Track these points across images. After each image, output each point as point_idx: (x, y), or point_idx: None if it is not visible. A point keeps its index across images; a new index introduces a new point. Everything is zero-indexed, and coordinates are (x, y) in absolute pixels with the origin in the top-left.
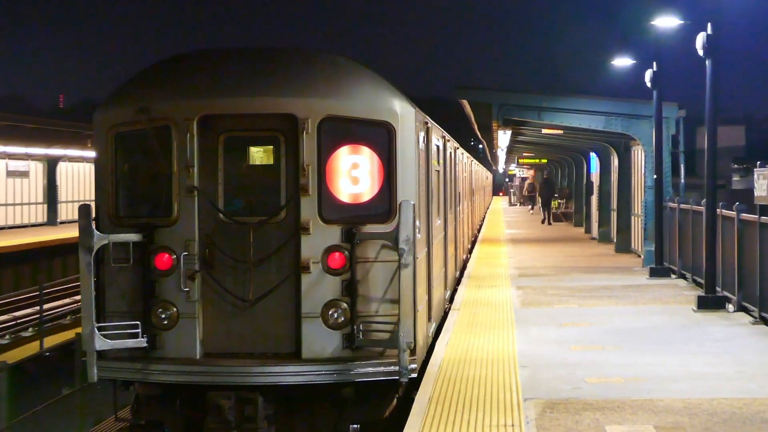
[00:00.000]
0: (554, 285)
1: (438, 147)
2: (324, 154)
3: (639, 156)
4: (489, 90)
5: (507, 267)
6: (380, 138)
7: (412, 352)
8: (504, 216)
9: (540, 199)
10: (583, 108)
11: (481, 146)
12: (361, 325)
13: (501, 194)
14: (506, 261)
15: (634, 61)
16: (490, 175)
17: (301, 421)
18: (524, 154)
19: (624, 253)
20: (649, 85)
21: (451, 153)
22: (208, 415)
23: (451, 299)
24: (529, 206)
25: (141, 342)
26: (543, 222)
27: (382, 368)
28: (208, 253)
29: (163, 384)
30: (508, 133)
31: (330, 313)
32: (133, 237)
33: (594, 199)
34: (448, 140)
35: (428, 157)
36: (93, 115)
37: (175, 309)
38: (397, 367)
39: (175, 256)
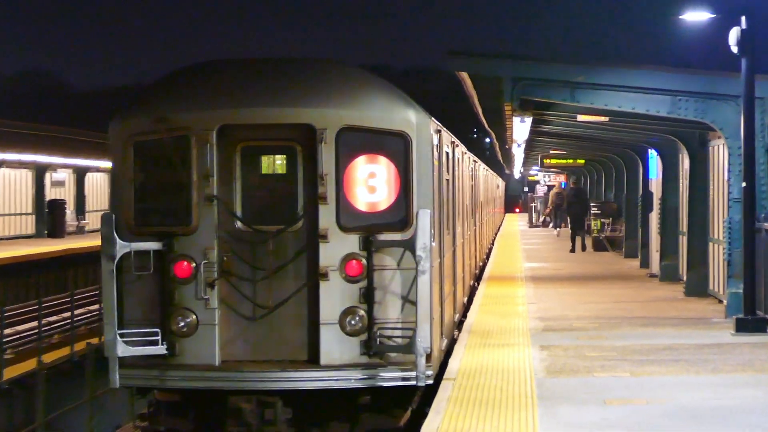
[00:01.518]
0: (595, 344)
1: (447, 154)
2: (341, 163)
3: (720, 154)
4: (499, 58)
5: (526, 317)
6: (397, 148)
7: (428, 358)
8: (522, 242)
9: (568, 216)
10: (639, 84)
11: (488, 140)
12: (378, 332)
13: (517, 210)
14: (525, 308)
15: (713, 16)
16: (501, 183)
17: (317, 427)
18: (551, 152)
19: (698, 297)
20: (734, 50)
21: (458, 159)
22: (227, 419)
23: (443, 364)
24: (554, 226)
25: (161, 349)
26: (573, 250)
27: (399, 374)
28: (226, 261)
29: (182, 390)
30: (528, 121)
31: (348, 319)
32: (153, 245)
33: (654, 217)
34: (457, 145)
35: (441, 166)
36: (110, 124)
37: (194, 316)
38: (414, 373)
39: (194, 264)
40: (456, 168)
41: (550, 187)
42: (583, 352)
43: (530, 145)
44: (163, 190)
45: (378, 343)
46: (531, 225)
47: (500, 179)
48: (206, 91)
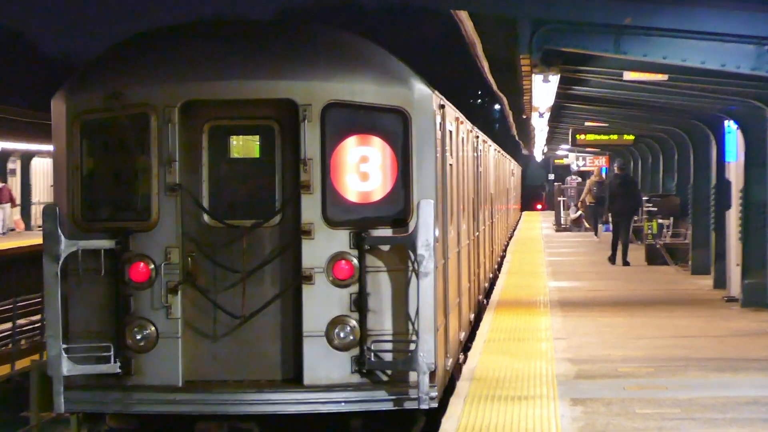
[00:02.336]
0: (649, 396)
1: (451, 133)
2: (328, 145)
3: None
4: None
5: (551, 358)
6: (393, 126)
7: (432, 377)
8: (546, 252)
9: (610, 213)
10: (711, 29)
11: (497, 108)
12: (372, 345)
13: (539, 207)
14: (549, 346)
15: None
16: (517, 168)
17: None
18: (587, 125)
19: None
20: None
21: (463, 138)
22: None
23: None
24: (593, 227)
25: (113, 367)
26: (613, 260)
27: (397, 396)
28: (191, 262)
29: (140, 416)
30: (554, 80)
31: (336, 331)
32: (105, 243)
33: (733, 216)
34: (462, 122)
35: (444, 148)
36: (52, 101)
37: (153, 328)
38: (416, 395)
39: (153, 266)
40: (461, 150)
41: (583, 175)
42: (632, 408)
43: (557, 115)
44: (116, 179)
45: (372, 358)
46: (559, 227)
47: (515, 163)
48: (168, 61)
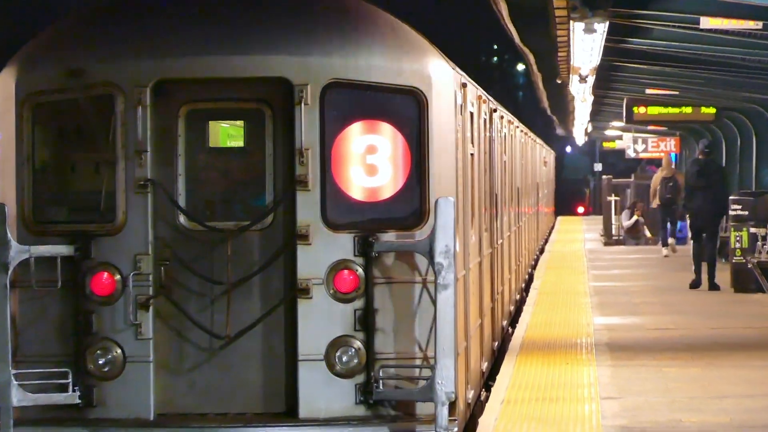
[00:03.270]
0: None
1: (472, 115)
2: (329, 133)
3: None
4: None
5: (596, 426)
6: (406, 110)
7: (452, 409)
8: (590, 274)
9: (687, 216)
10: None
11: (520, 68)
12: (381, 371)
13: (581, 209)
14: (594, 407)
15: None
16: (549, 156)
17: None
18: (647, 93)
19: None
20: None
21: (485, 120)
22: None
23: None
24: (661, 238)
25: (72, 397)
26: (697, 284)
27: (410, 430)
28: (165, 273)
29: None
30: (600, 29)
31: (338, 354)
32: (62, 250)
33: None
34: (485, 101)
35: (464, 135)
36: None
37: (119, 350)
38: (432, 429)
39: (119, 277)
40: (483, 137)
41: (640, 164)
42: None
43: (606, 80)
44: (75, 172)
45: (381, 386)
46: (609, 239)
47: (548, 149)
48: (138, 32)
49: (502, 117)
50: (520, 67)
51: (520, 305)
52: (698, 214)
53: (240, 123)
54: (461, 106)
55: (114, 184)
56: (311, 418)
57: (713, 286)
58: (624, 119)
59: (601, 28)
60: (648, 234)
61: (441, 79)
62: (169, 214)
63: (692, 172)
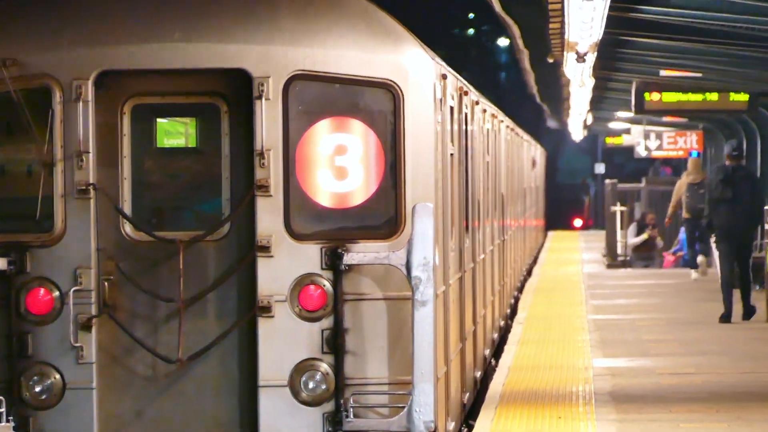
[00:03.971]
0: None
1: (452, 109)
2: (293, 132)
3: None
4: None
5: None
6: (380, 106)
7: None
8: (590, 302)
9: (710, 231)
10: None
11: (502, 44)
12: (352, 399)
13: (578, 222)
14: None
15: None
16: (539, 155)
17: None
18: (662, 75)
19: None
20: None
21: (467, 114)
22: None
23: None
24: (687, 258)
25: (6, 428)
26: (728, 317)
27: None
28: (109, 288)
29: None
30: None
31: (303, 380)
32: None
33: None
34: (466, 93)
35: (444, 134)
36: None
37: (58, 376)
38: None
39: (58, 293)
40: (466, 133)
41: (653, 165)
42: None
43: (610, 58)
44: (7, 175)
45: (352, 416)
46: (613, 261)
47: (538, 146)
48: (78, 18)
49: (484, 110)
50: (503, 42)
51: (504, 336)
52: (726, 232)
53: (189, 120)
54: (441, 100)
55: (51, 189)
56: None
57: (748, 311)
58: (633, 108)
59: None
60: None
61: (418, 71)
62: (114, 223)
63: (716, 182)
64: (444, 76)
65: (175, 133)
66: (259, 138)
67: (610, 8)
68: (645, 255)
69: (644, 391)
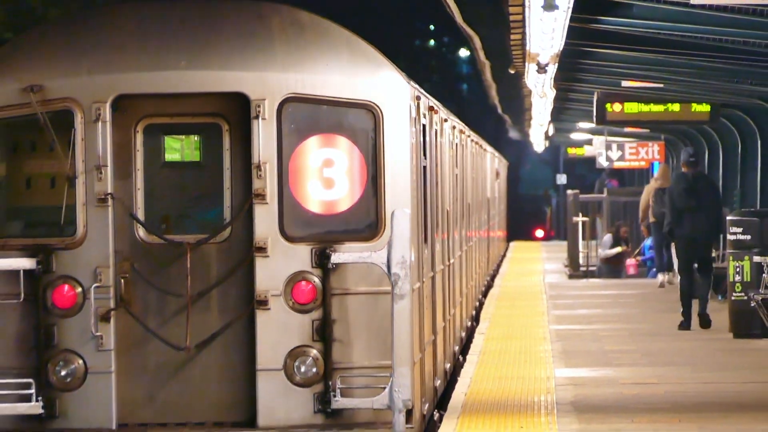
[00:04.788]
0: None
1: (425, 127)
2: (286, 147)
3: None
4: None
5: None
6: (362, 124)
7: (409, 417)
8: (551, 313)
9: (672, 239)
10: None
11: (463, 54)
12: (339, 381)
13: (539, 234)
14: None
15: None
16: (502, 166)
17: None
18: (623, 86)
19: None
20: None
21: (437, 131)
22: None
23: None
24: (658, 267)
25: (35, 407)
26: (687, 324)
27: None
28: (125, 285)
29: None
30: (564, 5)
31: (296, 364)
32: (24, 263)
33: None
34: (436, 111)
35: (418, 148)
36: None
37: (80, 362)
38: None
39: (80, 290)
40: (436, 147)
41: (600, 177)
42: None
43: (572, 69)
44: (35, 187)
45: (339, 396)
46: (575, 271)
47: (500, 158)
48: (96, 48)
49: (453, 127)
50: (464, 53)
51: (469, 337)
52: (688, 242)
53: (194, 137)
54: (415, 119)
55: (74, 199)
56: (270, 427)
57: (705, 321)
58: (594, 119)
59: (565, 3)
60: (631, 264)
61: (395, 94)
62: (129, 228)
63: (678, 191)
64: (418, 97)
65: (182, 149)
66: (256, 153)
67: (572, 19)
68: (614, 267)
69: (606, 402)
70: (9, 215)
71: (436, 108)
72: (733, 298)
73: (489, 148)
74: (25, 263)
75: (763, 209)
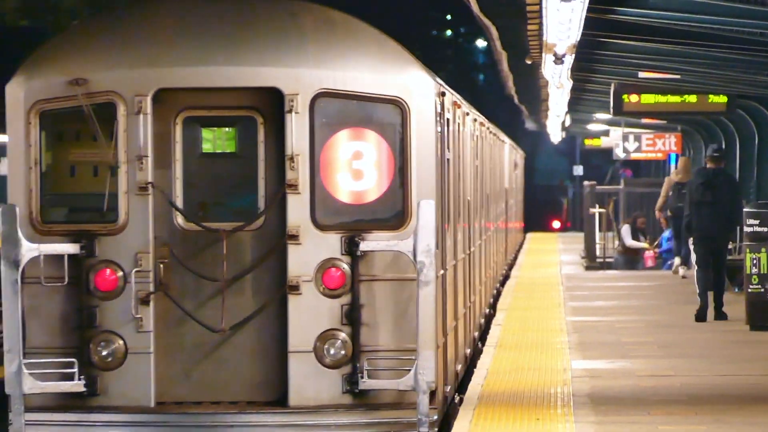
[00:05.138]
0: None
1: (449, 121)
2: (318, 140)
3: None
4: None
5: None
6: (390, 119)
7: (432, 398)
8: (568, 304)
9: (690, 234)
10: None
11: (480, 45)
12: (366, 363)
13: (556, 225)
14: None
15: None
16: (519, 157)
17: None
18: (641, 77)
19: None
20: None
21: (459, 125)
22: None
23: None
24: (677, 256)
25: (77, 385)
26: (703, 316)
27: (393, 419)
28: (164, 270)
29: None
30: None
31: (326, 347)
32: (69, 248)
33: None
34: (459, 106)
35: (443, 141)
36: (6, 87)
37: (121, 342)
38: (414, 417)
39: (121, 274)
40: (459, 140)
41: (612, 167)
42: None
43: (589, 60)
44: (79, 175)
45: (366, 377)
46: (592, 263)
47: (518, 149)
48: (138, 42)
49: (474, 120)
50: (481, 43)
51: (487, 324)
52: (705, 234)
53: (230, 130)
54: (440, 113)
55: (116, 187)
56: (300, 406)
57: (720, 315)
58: (611, 110)
59: None
60: (648, 251)
61: (422, 90)
62: (168, 215)
63: (696, 185)
64: (443, 93)
65: (219, 140)
66: (289, 145)
67: (588, 10)
68: (631, 259)
69: (623, 394)
70: (54, 202)
71: (459, 103)
72: (749, 290)
73: (507, 140)
74: (69, 248)
75: None
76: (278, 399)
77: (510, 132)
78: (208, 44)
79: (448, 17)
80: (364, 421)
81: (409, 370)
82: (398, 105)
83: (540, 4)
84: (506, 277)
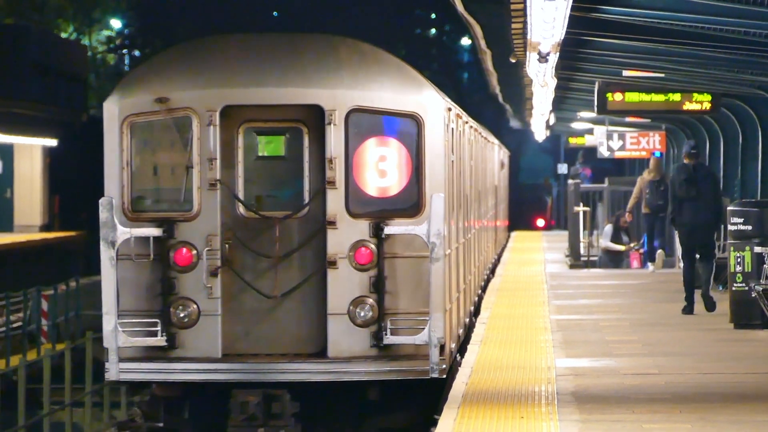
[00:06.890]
0: None
1: (453, 130)
2: (351, 146)
3: None
4: None
5: None
6: (408, 130)
7: (441, 351)
8: (552, 303)
9: (675, 230)
10: None
11: (465, 43)
12: (389, 323)
13: (540, 223)
14: None
15: None
16: (505, 156)
17: (325, 421)
18: (625, 75)
19: None
20: None
21: (460, 132)
22: (231, 413)
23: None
24: (647, 254)
25: (160, 340)
26: (690, 309)
27: (410, 367)
28: (229, 249)
29: (182, 385)
30: None
31: (357, 310)
32: (154, 231)
33: None
34: (460, 117)
35: (448, 147)
36: (104, 104)
37: (195, 306)
38: (426, 366)
39: (195, 252)
40: (460, 146)
41: (574, 165)
42: None
43: (572, 58)
44: (162, 174)
45: (389, 334)
46: (576, 261)
47: (504, 149)
48: (209, 68)
49: (471, 127)
50: (465, 41)
51: (477, 305)
52: (689, 229)
53: (281, 138)
54: (447, 125)
55: (191, 183)
56: (337, 357)
57: (709, 303)
58: (595, 109)
59: None
60: (631, 249)
61: (434, 107)
62: (232, 206)
63: (679, 181)
64: (449, 108)
65: (272, 146)
66: (328, 150)
67: (573, 8)
68: (615, 257)
69: (607, 392)
70: (141, 195)
71: (460, 114)
72: (733, 288)
73: (496, 141)
74: (154, 231)
75: (763, 199)
76: (319, 351)
77: (494, 130)
78: (264, 70)
79: (433, 16)
80: (388, 369)
81: (423, 328)
82: (415, 119)
83: (524, 2)
84: (491, 275)
